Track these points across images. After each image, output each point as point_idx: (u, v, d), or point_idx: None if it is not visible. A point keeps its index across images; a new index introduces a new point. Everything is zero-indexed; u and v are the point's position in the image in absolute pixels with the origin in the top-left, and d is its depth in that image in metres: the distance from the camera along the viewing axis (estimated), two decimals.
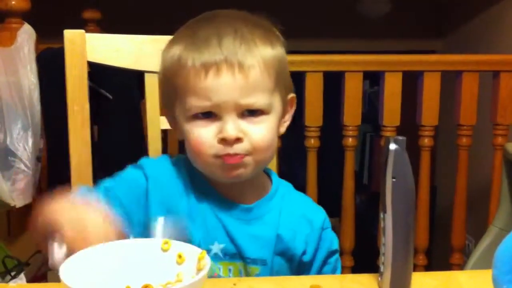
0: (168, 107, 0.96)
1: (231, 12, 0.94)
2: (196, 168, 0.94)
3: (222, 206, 0.94)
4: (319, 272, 1.01)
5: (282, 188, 1.01)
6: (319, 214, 1.02)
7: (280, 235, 0.96)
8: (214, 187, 0.95)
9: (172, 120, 0.98)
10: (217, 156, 0.88)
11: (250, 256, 0.95)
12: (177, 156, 1.00)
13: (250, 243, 0.94)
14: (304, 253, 0.98)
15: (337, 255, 1.04)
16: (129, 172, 0.96)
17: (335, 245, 1.03)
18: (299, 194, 1.04)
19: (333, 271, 1.03)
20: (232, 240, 0.94)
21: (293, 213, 0.99)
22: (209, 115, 0.88)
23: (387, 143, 0.81)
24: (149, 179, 0.94)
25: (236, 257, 0.94)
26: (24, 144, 1.70)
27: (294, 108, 1.00)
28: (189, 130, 0.90)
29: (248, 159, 0.89)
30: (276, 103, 0.92)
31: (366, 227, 2.60)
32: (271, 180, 1.01)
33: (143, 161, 0.97)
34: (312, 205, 1.04)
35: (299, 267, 0.99)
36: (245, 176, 0.92)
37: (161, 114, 1.08)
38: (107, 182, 0.94)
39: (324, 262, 1.01)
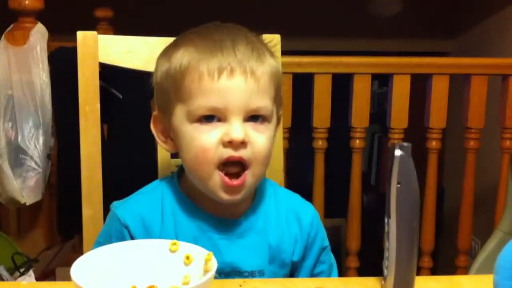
0: (165, 111, 0.94)
1: (233, 24, 0.95)
2: (192, 181, 0.93)
3: (212, 225, 0.94)
4: (313, 271, 1.01)
5: (267, 189, 1.00)
6: (308, 210, 1.02)
7: (269, 241, 0.96)
8: (200, 206, 0.94)
9: (164, 129, 0.96)
10: (220, 165, 0.87)
11: (248, 269, 0.94)
12: (156, 183, 0.99)
13: (246, 256, 0.94)
14: (293, 253, 0.98)
15: (330, 253, 1.03)
16: (107, 232, 0.95)
17: (326, 242, 1.03)
18: (286, 192, 1.04)
19: (330, 269, 1.03)
20: (225, 257, 0.93)
21: (281, 213, 0.99)
22: (212, 119, 0.88)
23: (392, 149, 0.82)
24: (129, 226, 0.93)
25: (231, 275, 0.93)
26: (35, 142, 1.72)
27: (279, 126, 0.99)
28: (191, 135, 0.89)
29: (248, 175, 0.88)
30: (274, 114, 0.93)
31: (373, 228, 2.61)
32: None
33: (116, 210, 0.95)
34: (300, 201, 1.03)
35: (290, 270, 0.99)
36: (243, 198, 0.91)
37: (152, 123, 0.99)
38: None
39: (317, 261, 1.01)
